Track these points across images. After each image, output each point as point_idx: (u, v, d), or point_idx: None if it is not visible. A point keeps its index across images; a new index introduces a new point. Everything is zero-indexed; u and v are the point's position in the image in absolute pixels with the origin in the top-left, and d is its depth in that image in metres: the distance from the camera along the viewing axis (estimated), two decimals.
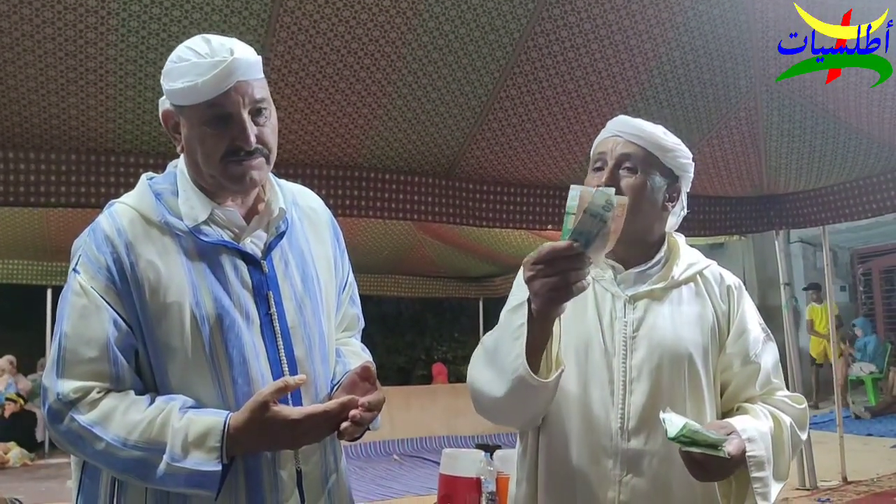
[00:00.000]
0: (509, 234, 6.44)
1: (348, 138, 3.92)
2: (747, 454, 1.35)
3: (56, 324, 1.30)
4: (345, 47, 3.36)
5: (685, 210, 1.61)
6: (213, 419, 1.23)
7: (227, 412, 1.24)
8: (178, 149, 1.37)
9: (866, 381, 9.91)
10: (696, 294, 1.54)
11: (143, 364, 1.29)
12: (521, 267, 1.29)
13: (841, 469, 5.68)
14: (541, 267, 1.23)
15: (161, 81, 1.34)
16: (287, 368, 1.33)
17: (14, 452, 7.74)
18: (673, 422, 1.29)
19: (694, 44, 3.69)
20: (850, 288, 11.79)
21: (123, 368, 1.26)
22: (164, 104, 1.36)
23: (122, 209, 1.33)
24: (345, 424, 1.26)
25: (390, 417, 7.81)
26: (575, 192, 1.21)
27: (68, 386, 1.23)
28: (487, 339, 1.43)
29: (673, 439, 1.28)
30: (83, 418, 1.22)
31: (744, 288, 1.60)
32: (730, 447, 1.30)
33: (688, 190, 1.60)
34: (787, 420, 1.48)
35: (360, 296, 1.64)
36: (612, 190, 1.21)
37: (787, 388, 1.57)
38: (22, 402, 8.41)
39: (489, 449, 2.73)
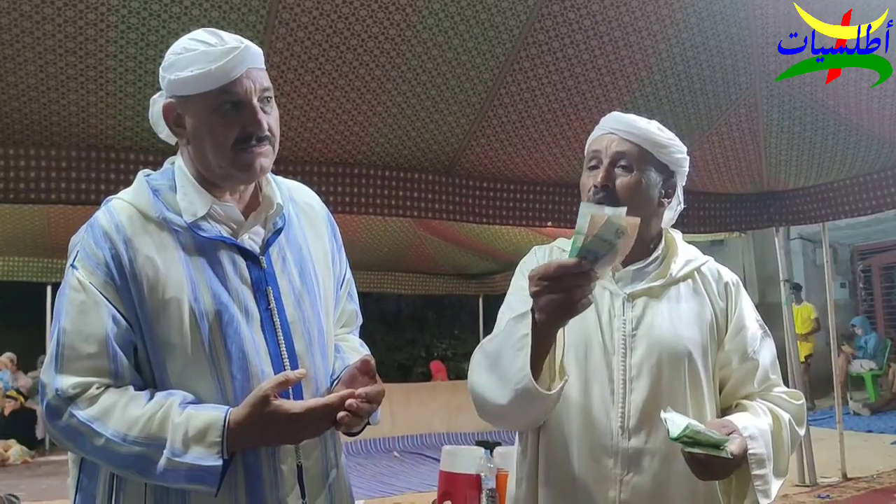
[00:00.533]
0: (509, 230, 6.43)
1: (348, 135, 3.91)
2: (748, 452, 1.36)
3: (54, 320, 1.29)
4: (344, 44, 3.36)
5: (682, 205, 1.61)
6: (214, 414, 1.23)
7: (228, 407, 1.24)
8: (183, 142, 1.36)
9: (866, 378, 9.92)
10: (694, 291, 1.55)
11: (141, 360, 1.29)
12: (529, 280, 1.28)
13: (841, 465, 5.68)
14: (547, 283, 1.23)
15: (161, 75, 1.33)
16: (288, 363, 1.33)
17: (14, 450, 7.73)
18: (675, 422, 1.29)
19: (694, 40, 3.68)
20: (850, 284, 11.78)
21: (122, 364, 1.26)
22: (161, 99, 1.36)
23: (119, 205, 1.33)
24: (341, 414, 1.25)
25: (390, 414, 7.81)
26: (586, 211, 1.19)
27: (67, 382, 1.22)
28: (488, 345, 1.43)
29: (675, 440, 1.28)
30: (82, 414, 1.21)
31: (741, 284, 1.61)
32: (732, 447, 1.30)
33: (683, 184, 1.60)
34: (786, 416, 1.49)
35: (360, 293, 1.65)
36: (623, 210, 1.20)
37: (787, 385, 1.58)
38: (22, 399, 8.40)
39: (489, 446, 2.73)
